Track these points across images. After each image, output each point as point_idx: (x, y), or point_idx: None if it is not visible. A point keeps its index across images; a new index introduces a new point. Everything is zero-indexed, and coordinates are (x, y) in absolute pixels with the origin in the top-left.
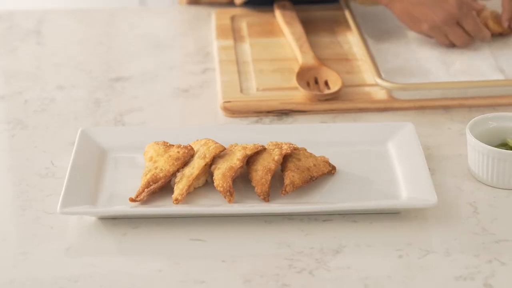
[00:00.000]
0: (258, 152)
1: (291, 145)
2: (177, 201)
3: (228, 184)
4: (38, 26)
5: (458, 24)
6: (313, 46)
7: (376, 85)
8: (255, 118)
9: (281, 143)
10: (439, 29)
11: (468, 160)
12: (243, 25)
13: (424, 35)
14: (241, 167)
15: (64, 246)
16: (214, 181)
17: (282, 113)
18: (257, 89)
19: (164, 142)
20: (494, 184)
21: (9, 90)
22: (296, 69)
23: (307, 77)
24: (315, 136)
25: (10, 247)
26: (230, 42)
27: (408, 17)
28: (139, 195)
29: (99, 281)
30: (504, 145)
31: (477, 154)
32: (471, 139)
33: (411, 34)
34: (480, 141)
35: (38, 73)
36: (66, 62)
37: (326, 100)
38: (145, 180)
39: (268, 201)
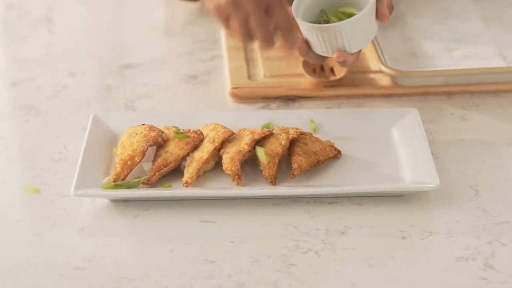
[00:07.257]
0: (266, 137)
1: (297, 130)
2: (187, 184)
3: (236, 167)
4: (49, 14)
5: (267, 13)
6: None
7: (381, 71)
8: (262, 104)
9: (288, 128)
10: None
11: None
12: None
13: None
14: (249, 151)
15: (78, 227)
16: (223, 164)
17: (289, 99)
18: (265, 76)
19: (175, 126)
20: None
21: (21, 77)
22: None
23: (313, 64)
24: (321, 121)
25: (24, 229)
26: None
27: None
28: (150, 178)
29: (112, 260)
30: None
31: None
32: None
33: (415, 22)
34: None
35: (49, 60)
36: (77, 49)
37: (332, 86)
38: (156, 164)
39: (275, 184)
